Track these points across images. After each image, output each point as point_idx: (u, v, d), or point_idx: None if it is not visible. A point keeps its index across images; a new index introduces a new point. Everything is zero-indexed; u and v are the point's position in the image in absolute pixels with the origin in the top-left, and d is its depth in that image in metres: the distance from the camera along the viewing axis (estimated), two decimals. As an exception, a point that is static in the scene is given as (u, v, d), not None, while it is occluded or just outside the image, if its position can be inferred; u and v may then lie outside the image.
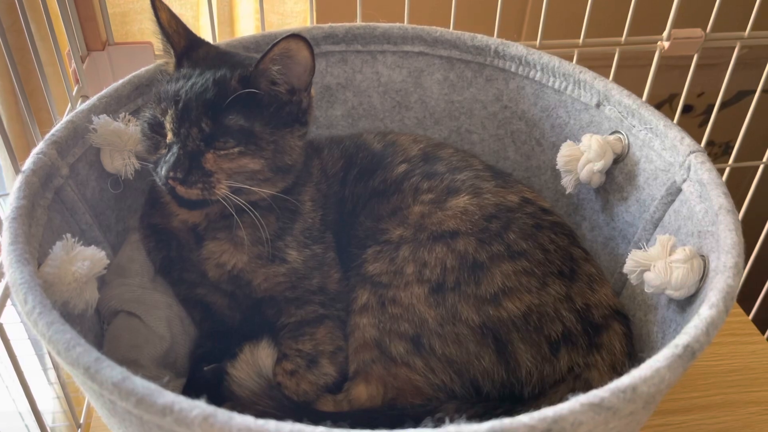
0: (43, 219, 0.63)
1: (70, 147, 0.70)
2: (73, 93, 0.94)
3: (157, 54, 1.06)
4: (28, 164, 0.64)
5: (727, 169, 1.21)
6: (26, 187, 0.61)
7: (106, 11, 1.00)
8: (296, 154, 0.74)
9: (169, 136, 0.69)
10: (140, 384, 0.43)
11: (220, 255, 0.74)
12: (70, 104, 0.91)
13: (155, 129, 0.70)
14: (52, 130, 0.69)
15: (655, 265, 0.64)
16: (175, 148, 0.68)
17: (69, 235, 0.62)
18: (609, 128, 0.80)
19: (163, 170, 0.68)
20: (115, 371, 0.44)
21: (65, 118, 0.72)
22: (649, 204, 0.75)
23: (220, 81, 0.70)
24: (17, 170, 0.65)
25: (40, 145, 0.66)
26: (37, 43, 0.78)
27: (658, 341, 0.68)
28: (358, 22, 0.92)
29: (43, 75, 0.79)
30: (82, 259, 0.60)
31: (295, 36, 0.68)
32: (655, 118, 0.74)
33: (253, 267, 0.74)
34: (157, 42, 0.77)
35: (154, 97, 0.72)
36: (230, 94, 0.69)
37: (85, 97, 0.96)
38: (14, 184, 0.62)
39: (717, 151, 1.70)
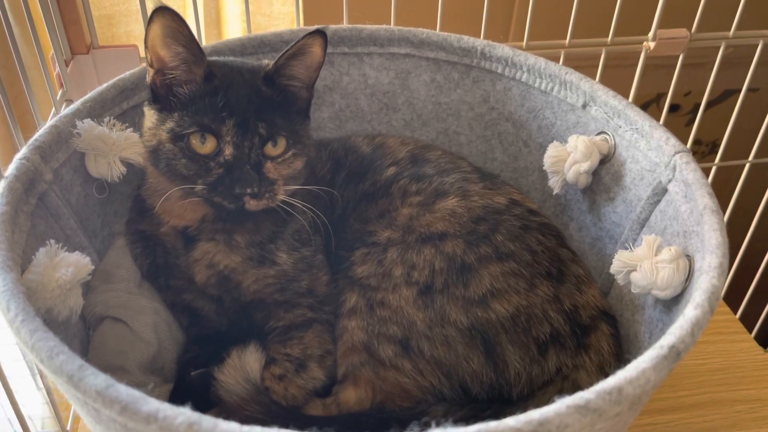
0: (26, 225, 0.62)
1: (53, 152, 0.69)
2: (58, 97, 0.94)
3: (138, 57, 1.05)
4: (10, 170, 0.63)
5: (714, 168, 1.21)
6: (9, 192, 0.61)
7: (90, 14, 1.00)
8: (313, 149, 0.78)
9: (229, 150, 0.68)
10: (124, 392, 0.43)
11: (214, 255, 0.74)
12: (54, 108, 0.91)
13: (199, 147, 0.68)
14: (36, 135, 0.68)
15: (641, 265, 0.64)
16: (241, 163, 0.68)
17: (53, 241, 0.62)
18: (595, 129, 0.80)
19: (237, 188, 0.68)
20: (98, 379, 0.44)
21: (49, 123, 0.71)
22: (635, 204, 0.75)
23: (254, 85, 0.71)
24: (0, 176, 0.64)
25: (23, 151, 0.66)
26: (20, 46, 0.77)
27: (646, 341, 0.68)
28: (345, 24, 0.92)
29: (26, 79, 0.78)
30: (66, 266, 0.60)
31: (315, 32, 0.71)
32: (640, 118, 0.74)
33: (245, 268, 0.74)
34: (170, 53, 0.69)
35: (187, 114, 0.68)
36: (265, 96, 0.71)
37: (70, 101, 0.96)
38: (-4, 190, 0.61)
39: (704, 150, 1.71)
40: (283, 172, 0.72)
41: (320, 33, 0.72)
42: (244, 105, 0.69)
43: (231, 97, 0.69)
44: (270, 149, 0.71)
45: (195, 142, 0.69)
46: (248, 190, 0.68)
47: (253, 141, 0.69)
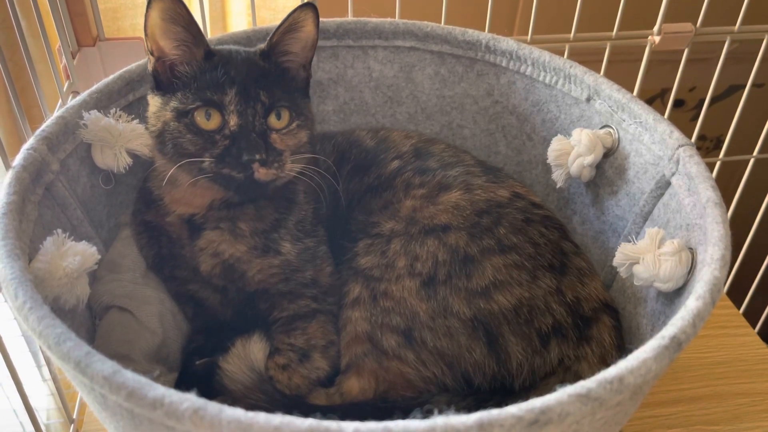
0: (33, 215, 0.63)
1: (60, 143, 0.70)
2: (64, 89, 0.94)
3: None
4: (18, 160, 0.64)
5: (718, 163, 1.21)
6: (16, 182, 0.61)
7: (96, 7, 1.00)
8: (315, 124, 0.79)
9: (233, 120, 0.69)
10: (131, 377, 0.43)
11: (219, 244, 0.74)
12: (60, 100, 0.91)
13: (204, 123, 0.70)
14: (43, 126, 0.69)
15: (644, 258, 0.65)
16: (246, 132, 0.69)
17: (60, 231, 0.62)
18: (599, 122, 0.80)
19: (245, 155, 0.68)
20: (105, 365, 0.44)
21: (56, 114, 0.72)
22: (638, 198, 0.75)
23: (252, 61, 0.72)
24: (8, 166, 0.65)
25: (30, 141, 0.66)
26: (27, 39, 0.78)
27: (648, 334, 0.69)
28: (350, 17, 0.93)
29: (33, 71, 0.79)
30: (73, 255, 0.60)
31: (305, 6, 0.72)
32: (644, 112, 0.74)
33: (249, 258, 0.74)
34: (172, 35, 0.70)
35: (190, 91, 0.70)
36: (264, 70, 0.72)
37: (76, 93, 0.96)
38: (4, 180, 0.61)
39: (708, 146, 1.71)
40: (289, 142, 0.73)
41: (311, 6, 0.72)
42: (244, 75, 0.71)
43: (231, 70, 0.71)
44: (274, 122, 0.72)
45: (200, 119, 0.70)
46: (257, 156, 0.68)
47: (256, 108, 0.70)
